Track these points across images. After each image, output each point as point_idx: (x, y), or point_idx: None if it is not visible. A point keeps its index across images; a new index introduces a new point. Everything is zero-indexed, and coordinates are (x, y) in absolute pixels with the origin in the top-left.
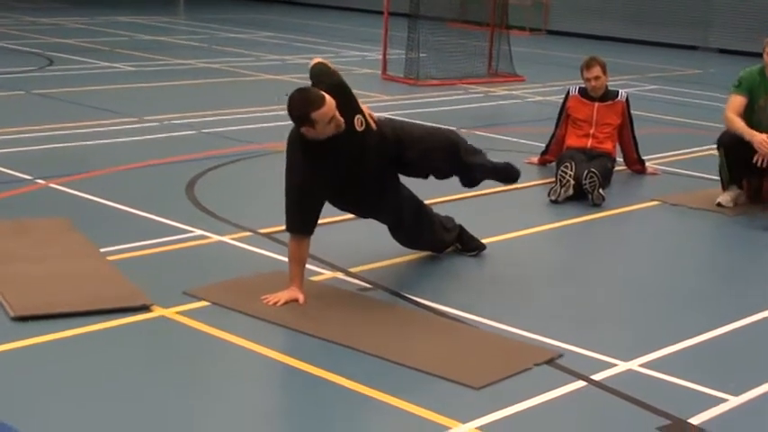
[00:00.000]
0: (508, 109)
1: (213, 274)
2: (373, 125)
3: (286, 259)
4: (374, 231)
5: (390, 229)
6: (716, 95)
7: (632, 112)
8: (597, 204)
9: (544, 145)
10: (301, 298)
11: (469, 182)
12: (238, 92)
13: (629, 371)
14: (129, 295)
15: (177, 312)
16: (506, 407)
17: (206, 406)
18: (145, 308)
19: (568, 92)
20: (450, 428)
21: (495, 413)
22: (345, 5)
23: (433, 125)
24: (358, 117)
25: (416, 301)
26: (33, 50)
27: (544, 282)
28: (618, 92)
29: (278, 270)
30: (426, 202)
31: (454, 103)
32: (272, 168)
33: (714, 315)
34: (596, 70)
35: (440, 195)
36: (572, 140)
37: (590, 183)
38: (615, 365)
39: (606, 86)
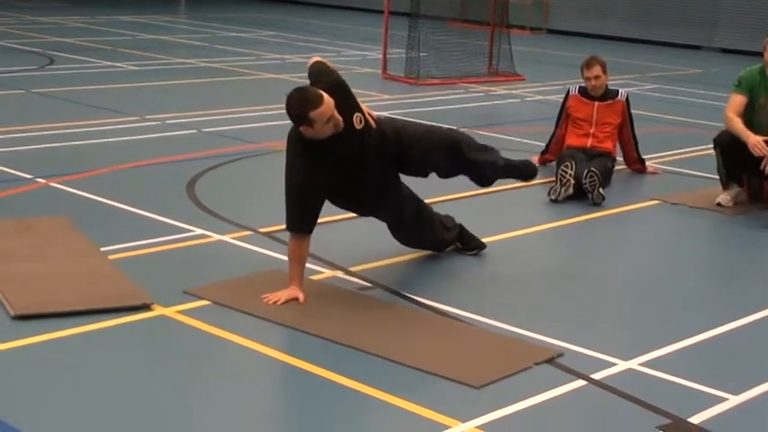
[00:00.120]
0: (508, 108)
1: (213, 273)
2: (372, 123)
3: (286, 258)
4: (374, 230)
5: (390, 228)
6: (717, 95)
7: (632, 111)
8: (597, 204)
9: (544, 144)
10: (301, 297)
11: (480, 180)
12: (239, 91)
13: (630, 370)
14: (130, 294)
15: (177, 311)
16: (507, 406)
17: (206, 405)
18: (145, 307)
19: (568, 91)
20: (451, 427)
21: (495, 412)
22: (346, 5)
23: (434, 124)
24: (357, 115)
25: (416, 300)
26: (34, 49)
27: (544, 281)
28: (618, 91)
29: (278, 269)
30: (426, 201)
31: (454, 103)
32: (273, 167)
33: (714, 314)
34: (596, 69)
35: (440, 194)
36: (572, 140)
37: (590, 182)
38: (615, 364)
39: (606, 86)
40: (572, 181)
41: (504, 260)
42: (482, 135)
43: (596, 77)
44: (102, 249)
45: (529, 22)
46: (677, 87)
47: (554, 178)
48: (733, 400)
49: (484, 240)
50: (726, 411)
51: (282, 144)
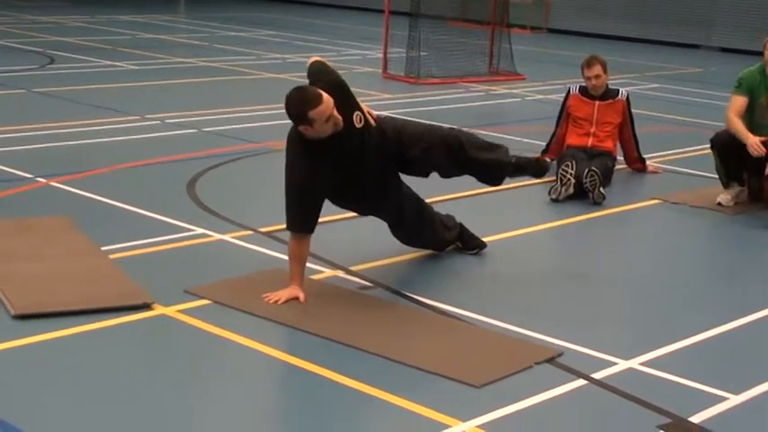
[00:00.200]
0: (509, 107)
1: (214, 272)
2: (372, 122)
3: (286, 258)
4: (375, 230)
5: (391, 227)
6: (716, 94)
7: (633, 110)
8: (598, 203)
9: (545, 144)
10: (302, 296)
11: (485, 178)
12: (239, 90)
13: (630, 369)
14: (130, 294)
15: (178, 311)
16: (507, 405)
17: (206, 405)
18: (146, 306)
19: (569, 90)
20: (451, 427)
21: (495, 411)
22: (347, 4)
23: (435, 124)
24: (357, 114)
25: (417, 300)
26: (34, 49)
27: (545, 280)
28: (618, 90)
29: (278, 268)
30: (427, 200)
31: (455, 102)
32: (273, 167)
33: (714, 314)
34: (597, 69)
35: (440, 194)
36: (572, 139)
37: (591, 181)
38: (616, 364)
39: (607, 85)
40: (572, 180)
41: (504, 259)
42: (482, 135)
43: (597, 77)
44: (102, 249)
45: (529, 22)
46: (677, 86)
47: (554, 178)
48: (733, 400)
49: (484, 239)
50: (726, 411)
51: (282, 144)
